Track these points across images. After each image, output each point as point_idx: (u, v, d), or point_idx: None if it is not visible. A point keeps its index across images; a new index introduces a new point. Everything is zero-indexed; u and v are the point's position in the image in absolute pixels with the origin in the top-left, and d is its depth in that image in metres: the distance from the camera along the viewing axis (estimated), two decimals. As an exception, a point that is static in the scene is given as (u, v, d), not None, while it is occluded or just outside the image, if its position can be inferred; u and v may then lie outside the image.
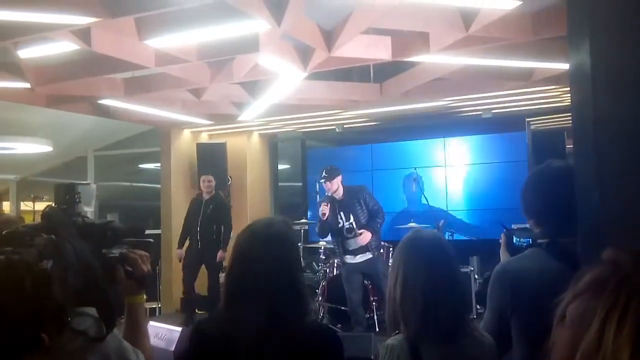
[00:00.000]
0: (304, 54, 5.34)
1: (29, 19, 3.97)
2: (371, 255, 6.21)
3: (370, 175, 8.79)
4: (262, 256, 1.84)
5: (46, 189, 9.11)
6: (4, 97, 6.31)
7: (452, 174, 8.61)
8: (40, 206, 7.05)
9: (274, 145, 10.07)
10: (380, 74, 6.94)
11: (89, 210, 7.32)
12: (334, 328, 4.67)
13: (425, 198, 8.21)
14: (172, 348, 4.12)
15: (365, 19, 4.39)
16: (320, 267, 7.44)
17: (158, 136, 8.96)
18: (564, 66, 5.06)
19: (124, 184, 12.85)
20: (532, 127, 8.57)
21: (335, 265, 6.98)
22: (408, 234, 2.11)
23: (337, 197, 6.18)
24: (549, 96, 7.15)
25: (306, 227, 8.19)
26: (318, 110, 7.83)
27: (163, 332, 4.28)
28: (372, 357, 4.39)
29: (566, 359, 0.80)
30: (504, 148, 8.29)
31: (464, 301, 2.22)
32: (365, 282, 6.46)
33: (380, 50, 5.15)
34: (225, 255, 7.24)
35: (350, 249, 6.25)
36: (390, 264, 2.25)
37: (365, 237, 6.11)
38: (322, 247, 7.30)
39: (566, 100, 6.90)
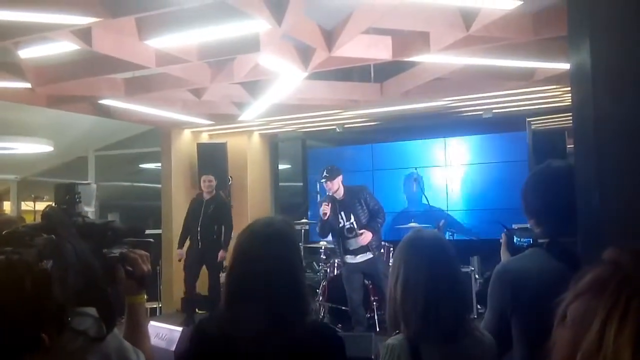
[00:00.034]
0: (304, 53, 5.34)
1: (30, 19, 3.97)
2: (372, 255, 6.21)
3: (370, 175, 8.79)
4: (262, 256, 1.83)
5: (47, 189, 9.11)
6: (4, 97, 6.31)
7: (452, 174, 8.60)
8: (41, 206, 7.04)
9: (274, 145, 10.07)
10: (381, 73, 6.93)
11: (89, 210, 7.32)
12: (335, 327, 4.66)
13: (426, 198, 8.20)
14: (173, 348, 4.12)
15: (366, 19, 4.38)
16: (320, 267, 7.44)
17: (158, 136, 8.97)
18: (565, 66, 5.05)
19: (124, 184, 12.85)
20: (533, 127, 8.57)
21: (336, 265, 6.98)
22: (409, 233, 2.11)
23: (337, 197, 6.19)
24: (550, 96, 7.15)
25: (307, 227, 8.19)
26: (318, 110, 7.83)
27: (164, 332, 4.28)
28: (372, 357, 4.38)
29: (567, 359, 0.80)
30: (504, 148, 8.28)
31: (465, 301, 2.22)
32: (366, 282, 6.46)
33: (380, 50, 5.15)
34: (226, 256, 7.24)
35: (351, 248, 6.25)
36: (390, 264, 2.25)
37: (366, 237, 6.11)
38: (323, 247, 7.30)
39: (567, 100, 6.89)
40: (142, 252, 1.65)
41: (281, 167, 10.54)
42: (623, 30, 1.47)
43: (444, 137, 8.66)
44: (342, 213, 6.18)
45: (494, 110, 7.97)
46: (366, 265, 6.25)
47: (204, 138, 9.40)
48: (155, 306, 8.47)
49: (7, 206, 12.19)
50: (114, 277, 1.57)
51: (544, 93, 6.96)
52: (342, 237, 6.23)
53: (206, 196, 7.64)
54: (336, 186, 6.14)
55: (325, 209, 6.07)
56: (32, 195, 8.18)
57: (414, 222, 7.37)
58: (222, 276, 7.11)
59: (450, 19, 4.35)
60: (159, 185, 9.14)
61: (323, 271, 7.23)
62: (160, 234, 8.65)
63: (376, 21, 4.40)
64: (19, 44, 4.77)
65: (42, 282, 1.21)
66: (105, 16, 3.86)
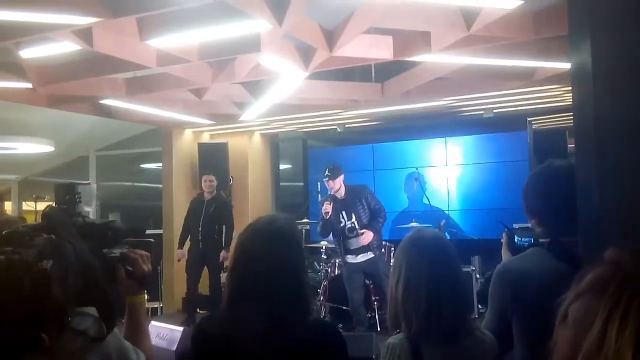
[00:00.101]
0: (305, 53, 5.34)
1: (31, 19, 3.98)
2: (372, 255, 6.20)
3: (371, 175, 8.79)
4: (263, 255, 1.82)
5: (48, 189, 9.10)
6: (5, 97, 6.32)
7: (453, 174, 8.60)
8: (42, 206, 7.04)
9: (275, 145, 10.08)
10: (382, 73, 6.93)
11: (89, 210, 7.33)
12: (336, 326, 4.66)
13: (427, 198, 8.20)
14: (174, 348, 4.12)
15: (367, 19, 4.38)
16: (321, 267, 7.44)
17: (159, 136, 8.97)
18: (566, 65, 5.05)
19: (125, 184, 12.85)
20: (534, 126, 8.57)
21: (337, 265, 6.98)
22: (410, 233, 2.11)
23: (339, 196, 6.18)
24: (551, 96, 7.15)
25: (307, 227, 8.19)
26: (319, 110, 7.83)
27: (165, 331, 4.28)
28: (373, 357, 4.38)
29: (568, 359, 0.80)
30: (505, 148, 8.27)
31: (466, 301, 2.22)
32: (367, 281, 6.46)
33: (381, 50, 5.15)
34: (227, 256, 7.24)
35: (352, 248, 6.24)
36: (391, 264, 2.25)
37: (367, 236, 6.11)
38: (324, 247, 7.31)
39: (567, 99, 6.89)
40: (143, 252, 1.65)
41: (282, 167, 10.55)
42: (623, 30, 1.47)
43: (445, 137, 8.65)
44: (344, 212, 6.17)
45: (494, 110, 7.97)
46: (367, 265, 6.24)
47: (205, 138, 9.40)
48: (156, 306, 8.48)
49: (8, 206, 12.19)
50: (114, 277, 1.57)
51: (545, 93, 6.96)
52: (343, 236, 6.23)
53: (207, 196, 7.63)
54: (338, 185, 6.14)
55: (327, 207, 6.07)
56: (33, 195, 8.18)
57: (415, 221, 7.37)
58: (223, 276, 7.12)
59: (451, 18, 4.35)
60: (160, 185, 9.15)
61: (324, 271, 7.23)
62: (161, 234, 8.66)
63: (377, 21, 4.40)
64: (20, 44, 4.77)
65: (42, 282, 1.21)
66: (106, 16, 3.86)
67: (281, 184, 10.28)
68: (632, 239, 1.38)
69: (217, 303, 6.68)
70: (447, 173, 8.61)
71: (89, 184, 8.58)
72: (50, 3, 3.79)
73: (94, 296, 1.36)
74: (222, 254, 7.39)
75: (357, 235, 6.14)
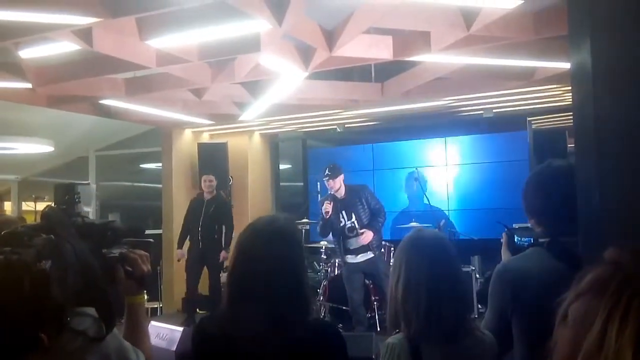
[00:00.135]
0: (305, 53, 5.34)
1: (30, 19, 3.97)
2: (372, 255, 6.20)
3: (371, 175, 8.79)
4: (263, 255, 1.82)
5: (47, 189, 9.11)
6: (5, 97, 6.32)
7: (453, 174, 8.60)
8: (42, 206, 7.04)
9: (275, 145, 10.08)
10: (382, 73, 6.93)
11: (88, 210, 7.34)
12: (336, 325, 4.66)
13: (427, 197, 8.20)
14: (174, 348, 4.12)
15: (367, 19, 4.38)
16: (321, 267, 7.44)
17: (159, 136, 8.97)
18: (565, 65, 5.05)
19: (125, 184, 12.85)
20: (534, 126, 8.56)
21: (337, 264, 6.98)
22: (410, 233, 2.11)
23: (339, 195, 6.18)
24: (550, 95, 7.14)
25: (307, 226, 8.19)
26: (319, 110, 7.83)
27: (164, 332, 4.28)
28: (373, 357, 4.38)
29: (568, 359, 0.80)
30: (505, 147, 8.27)
31: (466, 300, 2.22)
32: (367, 281, 6.46)
33: (381, 50, 5.15)
34: (227, 256, 7.24)
35: (352, 248, 6.24)
36: (391, 264, 2.25)
37: (367, 236, 6.11)
38: (323, 247, 7.31)
39: (567, 99, 6.89)
40: (142, 252, 1.64)
41: (282, 167, 10.54)
42: (623, 30, 1.47)
43: (445, 137, 8.66)
44: (343, 212, 6.17)
45: (494, 110, 7.97)
46: (367, 265, 6.24)
47: (205, 138, 9.40)
48: (156, 306, 8.48)
49: (7, 206, 12.20)
50: (114, 277, 1.57)
51: (545, 92, 6.96)
52: (343, 236, 6.23)
53: (207, 196, 7.63)
54: (338, 184, 6.14)
55: (327, 207, 6.07)
56: (33, 196, 8.19)
57: (414, 221, 7.37)
58: (223, 276, 7.11)
59: (451, 18, 4.35)
60: (160, 185, 9.14)
61: (324, 271, 7.23)
62: (160, 234, 8.65)
63: (377, 21, 4.40)
64: (19, 44, 4.77)
65: (41, 282, 1.20)
66: (105, 16, 3.86)
67: (281, 184, 10.28)
68: (632, 239, 1.38)
69: (217, 303, 6.68)
70: (446, 173, 8.61)
71: (88, 184, 8.57)
72: (50, 3, 3.79)
73: (93, 296, 1.36)
74: (222, 254, 7.39)
75: (357, 234, 6.14)
